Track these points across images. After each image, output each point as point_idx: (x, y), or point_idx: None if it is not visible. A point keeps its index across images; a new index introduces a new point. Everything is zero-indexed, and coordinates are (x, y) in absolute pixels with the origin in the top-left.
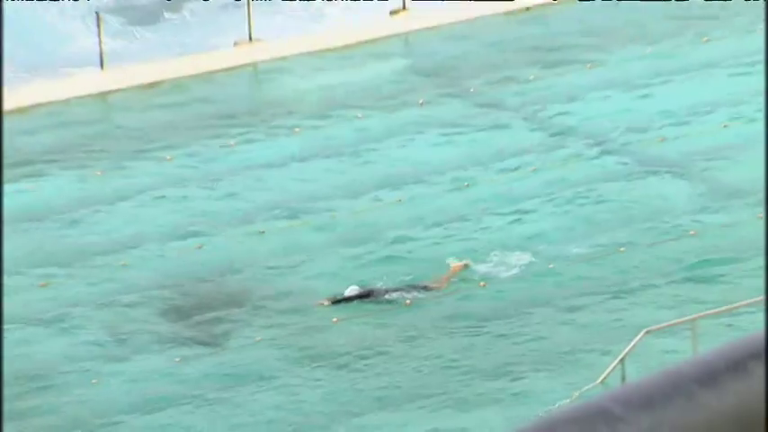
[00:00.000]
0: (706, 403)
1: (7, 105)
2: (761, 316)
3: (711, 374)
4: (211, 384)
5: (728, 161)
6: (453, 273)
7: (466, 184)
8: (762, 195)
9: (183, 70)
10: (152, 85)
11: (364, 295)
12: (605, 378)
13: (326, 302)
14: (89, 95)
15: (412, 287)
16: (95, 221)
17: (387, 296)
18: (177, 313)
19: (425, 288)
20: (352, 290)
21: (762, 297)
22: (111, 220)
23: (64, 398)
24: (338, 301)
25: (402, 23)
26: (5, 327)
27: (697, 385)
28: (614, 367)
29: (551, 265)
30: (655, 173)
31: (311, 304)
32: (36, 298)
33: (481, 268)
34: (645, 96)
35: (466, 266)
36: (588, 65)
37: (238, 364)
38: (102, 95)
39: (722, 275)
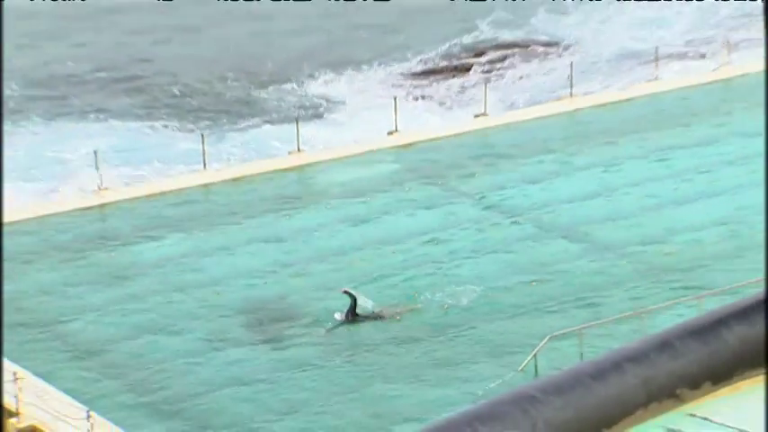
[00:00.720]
0: (596, 392)
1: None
2: (633, 326)
3: (600, 371)
4: (272, 369)
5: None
6: (410, 308)
7: (434, 241)
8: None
9: (258, 168)
10: (238, 179)
11: (368, 317)
12: (523, 368)
13: (340, 317)
14: (195, 185)
15: (391, 308)
16: (200, 266)
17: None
18: (253, 324)
19: (397, 313)
20: (340, 314)
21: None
22: (211, 266)
23: (178, 377)
24: (347, 316)
25: (396, 139)
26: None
27: (590, 378)
28: (528, 362)
29: (485, 295)
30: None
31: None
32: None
33: (441, 297)
34: (546, 188)
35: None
36: (514, 166)
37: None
38: (207, 186)
39: (597, 303)
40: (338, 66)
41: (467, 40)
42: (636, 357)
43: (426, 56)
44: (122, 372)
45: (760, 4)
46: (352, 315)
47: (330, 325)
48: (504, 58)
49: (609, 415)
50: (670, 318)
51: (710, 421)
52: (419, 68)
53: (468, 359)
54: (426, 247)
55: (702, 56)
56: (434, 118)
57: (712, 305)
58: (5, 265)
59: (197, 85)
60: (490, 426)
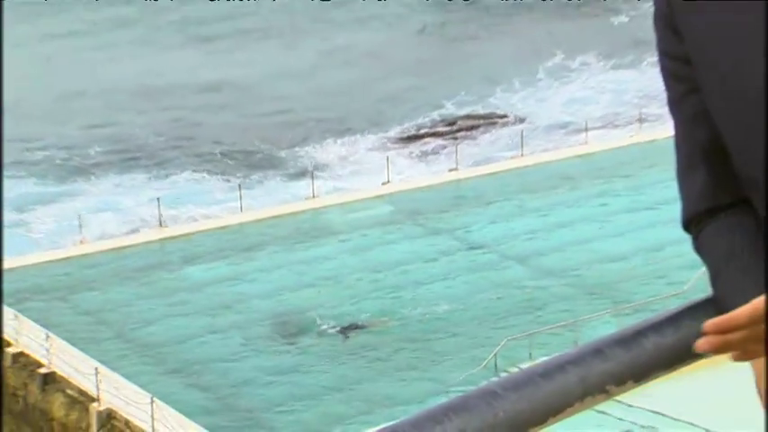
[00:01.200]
0: (543, 387)
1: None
2: (572, 334)
3: (547, 371)
4: (294, 364)
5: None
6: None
7: (416, 267)
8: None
9: (281, 210)
10: (266, 219)
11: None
12: (485, 365)
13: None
14: (233, 224)
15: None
16: (237, 286)
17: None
18: (279, 331)
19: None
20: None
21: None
22: (245, 286)
23: (222, 370)
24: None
25: (388, 188)
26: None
27: (539, 377)
28: (489, 360)
29: (455, 309)
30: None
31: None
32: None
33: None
34: (504, 226)
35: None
36: (479, 209)
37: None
38: (242, 224)
39: (544, 315)
40: (342, 133)
41: (440, 113)
42: (575, 360)
43: (408, 125)
44: (180, 367)
45: (661, 87)
46: (345, 329)
47: (335, 332)
48: (470, 127)
49: (553, 406)
50: (603, 328)
51: (629, 405)
52: (404, 135)
53: (441, 359)
54: (411, 272)
55: (620, 125)
56: (417, 172)
57: (633, 319)
58: (91, 285)
59: (234, 147)
60: (461, 416)
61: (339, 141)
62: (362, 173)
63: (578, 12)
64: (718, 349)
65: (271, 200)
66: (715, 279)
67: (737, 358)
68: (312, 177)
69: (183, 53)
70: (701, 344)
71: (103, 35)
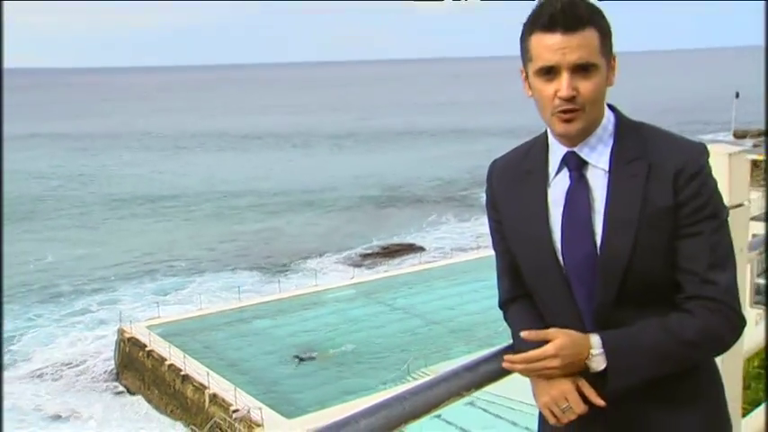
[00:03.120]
0: (456, 382)
1: None
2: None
3: (436, 381)
4: (301, 374)
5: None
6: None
7: (367, 324)
8: None
9: (293, 293)
10: (289, 299)
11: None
12: (402, 371)
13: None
14: (272, 300)
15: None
16: (275, 331)
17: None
18: (294, 355)
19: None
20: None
21: None
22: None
23: (269, 375)
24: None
25: (354, 281)
26: None
27: (428, 386)
28: (404, 368)
29: (383, 345)
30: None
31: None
32: None
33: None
34: (412, 300)
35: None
36: (408, 293)
37: None
38: (275, 301)
39: (427, 346)
40: (320, 253)
41: (378, 242)
42: (446, 377)
43: (354, 251)
44: (270, 383)
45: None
46: (301, 359)
47: (299, 360)
48: (397, 251)
49: (432, 403)
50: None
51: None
52: (354, 255)
53: (366, 373)
54: (363, 328)
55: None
56: (368, 273)
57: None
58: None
59: (238, 259)
60: (412, 399)
61: (318, 259)
62: (337, 275)
63: None
64: (527, 370)
65: (290, 285)
66: (514, 337)
67: (537, 376)
68: (316, 277)
69: None
70: (509, 361)
71: None
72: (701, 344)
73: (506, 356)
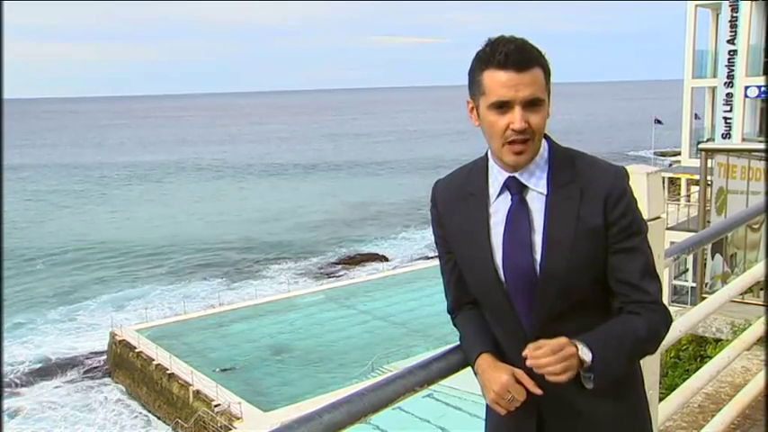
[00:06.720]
0: (411, 379)
1: None
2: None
3: (395, 376)
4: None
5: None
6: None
7: (335, 326)
8: None
9: (267, 299)
10: (268, 303)
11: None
12: (366, 369)
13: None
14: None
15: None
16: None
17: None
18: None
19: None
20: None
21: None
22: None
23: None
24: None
25: (325, 287)
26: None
27: (387, 381)
28: (368, 366)
29: (353, 344)
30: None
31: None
32: None
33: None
34: (380, 307)
35: None
36: (375, 297)
37: None
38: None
39: (392, 344)
40: (288, 260)
41: (341, 252)
42: (402, 375)
43: (323, 260)
44: (249, 380)
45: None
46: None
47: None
48: (364, 260)
49: (389, 399)
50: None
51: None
52: (322, 265)
53: (335, 371)
54: (331, 329)
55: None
56: (331, 282)
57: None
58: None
59: (218, 268)
60: (370, 395)
61: (287, 265)
62: (307, 281)
63: None
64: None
65: (256, 294)
66: (462, 340)
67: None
68: (288, 284)
69: None
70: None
71: None
72: (649, 339)
73: (531, 353)
